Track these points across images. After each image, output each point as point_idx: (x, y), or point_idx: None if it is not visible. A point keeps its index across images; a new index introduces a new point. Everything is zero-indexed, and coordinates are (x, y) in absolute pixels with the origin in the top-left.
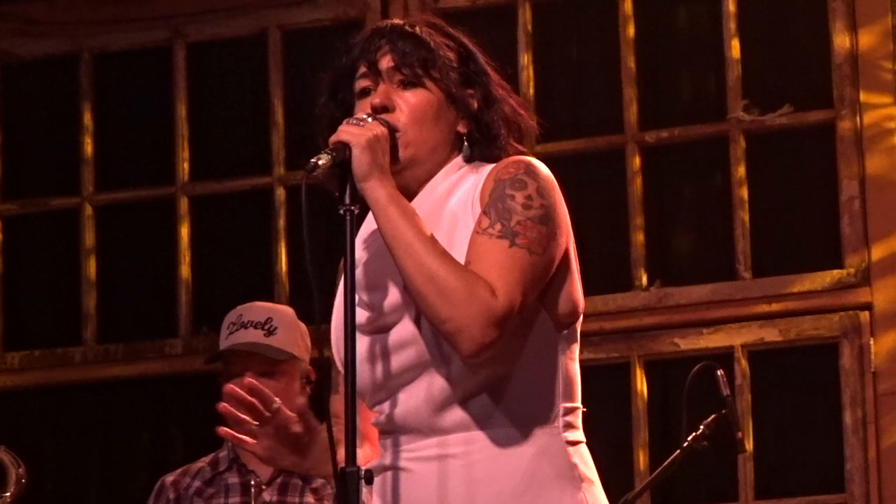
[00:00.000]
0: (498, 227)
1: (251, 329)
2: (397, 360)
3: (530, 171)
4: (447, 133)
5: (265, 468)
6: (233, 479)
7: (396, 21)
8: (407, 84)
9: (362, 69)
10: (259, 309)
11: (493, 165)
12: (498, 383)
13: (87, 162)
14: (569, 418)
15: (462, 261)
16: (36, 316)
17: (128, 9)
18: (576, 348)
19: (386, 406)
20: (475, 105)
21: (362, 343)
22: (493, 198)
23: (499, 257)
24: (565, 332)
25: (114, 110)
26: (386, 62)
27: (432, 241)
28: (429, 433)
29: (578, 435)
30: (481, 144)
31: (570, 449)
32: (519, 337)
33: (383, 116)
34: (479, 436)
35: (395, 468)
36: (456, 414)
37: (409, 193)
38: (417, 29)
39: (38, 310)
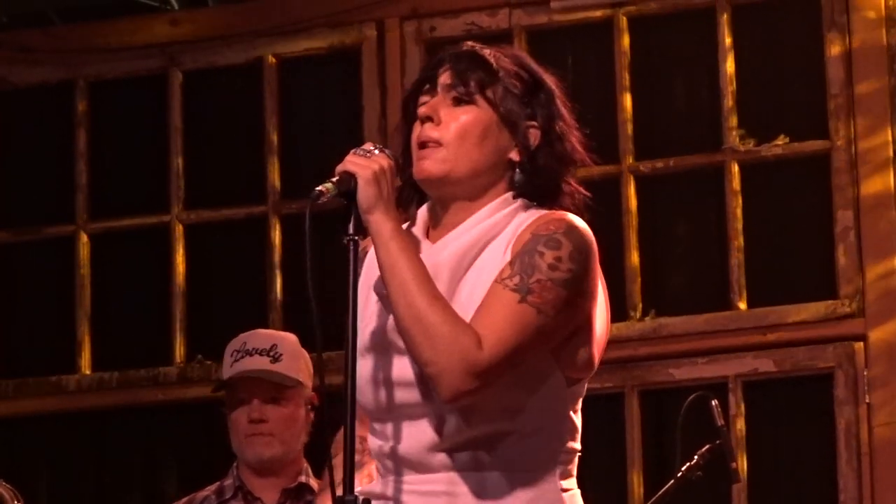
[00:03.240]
0: (516, 280)
1: (256, 356)
2: (415, 393)
3: (570, 231)
4: (493, 156)
5: (271, 495)
6: None
7: (471, 45)
8: (460, 101)
9: (425, 87)
10: (263, 336)
11: (539, 212)
12: (503, 433)
13: (81, 190)
14: (568, 466)
15: None
16: (30, 344)
17: (123, 37)
18: (580, 400)
19: (389, 432)
20: (532, 138)
21: (384, 361)
22: (523, 250)
23: (503, 310)
24: (574, 386)
25: (108, 138)
26: (445, 78)
27: (428, 282)
28: (430, 468)
29: (572, 482)
30: (532, 177)
31: (565, 496)
32: (528, 390)
33: (428, 129)
34: (479, 477)
35: (391, 498)
36: (460, 454)
37: (445, 209)
38: (486, 52)
39: (33, 338)
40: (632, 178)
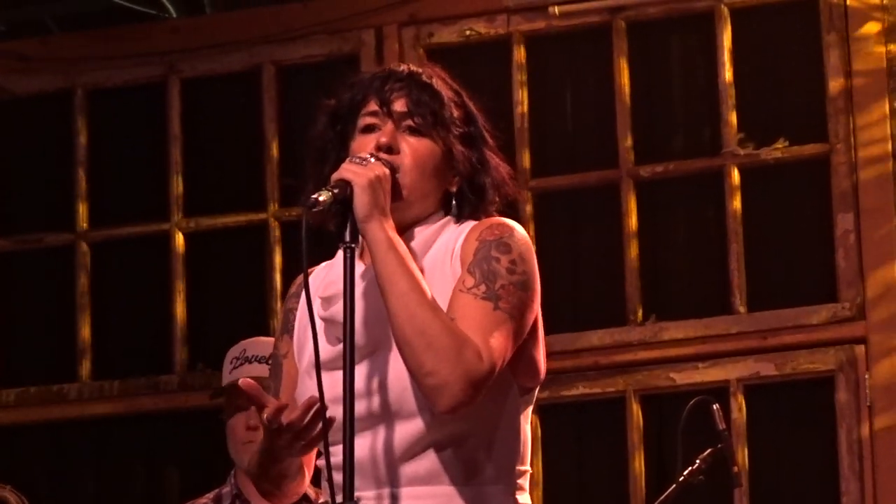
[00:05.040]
0: (483, 288)
1: (255, 363)
2: (371, 403)
3: (514, 235)
4: (439, 187)
5: None
6: None
7: (414, 68)
8: (414, 130)
9: (372, 106)
10: (262, 343)
11: (473, 222)
12: (463, 439)
13: (80, 198)
14: (520, 481)
15: None
16: (31, 353)
17: (121, 45)
18: (530, 411)
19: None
20: (470, 166)
21: (335, 379)
22: (477, 258)
23: (483, 319)
24: (526, 395)
25: (108, 146)
26: (399, 105)
27: (426, 293)
28: (387, 482)
29: (527, 497)
30: (471, 204)
31: None
32: (487, 398)
33: (385, 157)
34: (437, 491)
35: None
36: (419, 465)
37: None
38: (434, 81)
39: (33, 346)
40: (631, 182)
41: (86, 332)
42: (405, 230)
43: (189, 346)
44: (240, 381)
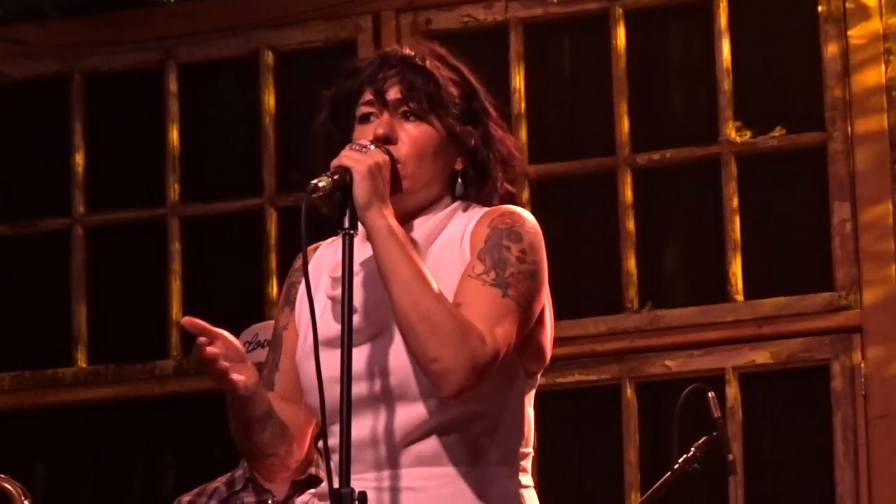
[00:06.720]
0: (492, 275)
1: (268, 348)
2: (373, 386)
3: (525, 224)
4: (443, 169)
5: (281, 487)
6: (249, 498)
7: (407, 51)
8: (410, 116)
9: (367, 96)
10: None
11: (483, 209)
12: (468, 423)
13: (77, 183)
14: (524, 462)
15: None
16: (26, 337)
17: (119, 30)
18: (534, 394)
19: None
20: (473, 143)
21: (337, 358)
22: (488, 245)
23: (491, 306)
24: (531, 379)
25: (105, 132)
26: (393, 93)
27: (429, 279)
28: (388, 463)
29: (529, 479)
30: (476, 183)
31: (524, 492)
32: (494, 381)
33: (384, 148)
34: (440, 472)
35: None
36: (422, 447)
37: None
38: (428, 62)
39: (29, 331)
40: (628, 170)
41: (81, 316)
42: (412, 217)
43: (185, 331)
44: (182, 320)
